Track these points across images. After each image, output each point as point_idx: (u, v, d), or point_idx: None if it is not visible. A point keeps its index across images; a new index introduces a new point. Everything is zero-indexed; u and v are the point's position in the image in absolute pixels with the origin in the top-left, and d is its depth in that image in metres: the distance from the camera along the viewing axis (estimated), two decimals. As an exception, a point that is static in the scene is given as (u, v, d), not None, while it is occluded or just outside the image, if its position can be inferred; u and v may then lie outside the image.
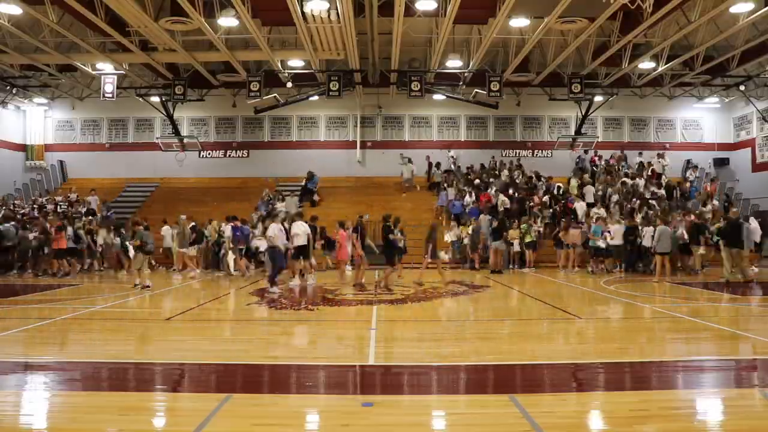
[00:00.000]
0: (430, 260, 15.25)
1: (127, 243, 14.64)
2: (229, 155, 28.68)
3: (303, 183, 25.37)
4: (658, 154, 26.89)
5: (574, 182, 24.12)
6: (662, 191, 23.71)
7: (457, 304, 11.76)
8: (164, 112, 25.95)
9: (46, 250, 17.53)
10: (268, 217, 17.67)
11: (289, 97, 24.72)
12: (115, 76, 22.43)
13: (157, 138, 27.28)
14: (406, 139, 28.62)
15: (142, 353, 7.14)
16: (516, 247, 19.12)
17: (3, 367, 6.38)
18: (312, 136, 28.79)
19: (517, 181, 24.96)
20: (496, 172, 26.20)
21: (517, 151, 28.67)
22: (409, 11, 16.67)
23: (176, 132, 26.70)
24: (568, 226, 18.57)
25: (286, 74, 22.80)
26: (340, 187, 27.52)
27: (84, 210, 22.80)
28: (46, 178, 28.00)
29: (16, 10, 16.52)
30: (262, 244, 15.82)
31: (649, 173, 25.43)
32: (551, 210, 22.04)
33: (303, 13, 16.32)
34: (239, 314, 10.58)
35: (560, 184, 24.34)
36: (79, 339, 8.33)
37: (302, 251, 14.31)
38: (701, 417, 4.92)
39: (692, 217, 18.64)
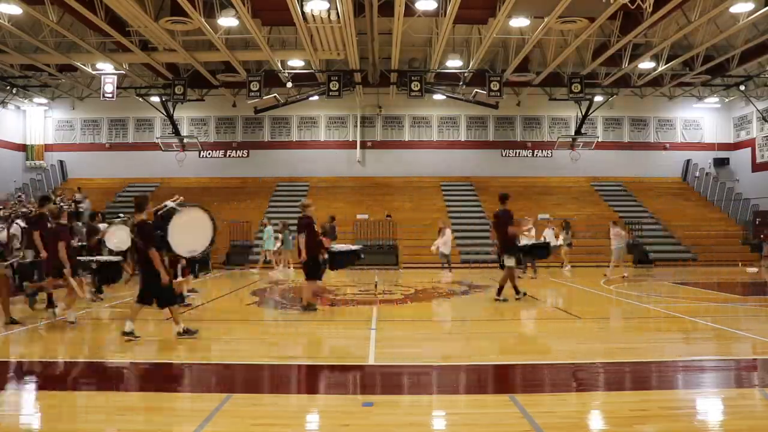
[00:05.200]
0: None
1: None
2: (229, 155, 28.71)
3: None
4: None
5: None
6: None
7: (457, 304, 11.76)
8: (164, 112, 25.96)
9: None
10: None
11: (289, 97, 24.72)
12: (115, 76, 22.43)
13: (157, 138, 27.29)
14: (406, 139, 28.65)
15: (142, 353, 7.14)
16: None
17: (3, 367, 6.38)
18: (312, 136, 28.81)
19: None
20: None
21: (518, 151, 28.71)
22: (409, 11, 16.66)
23: (176, 132, 26.70)
24: None
25: (286, 74, 22.79)
26: (340, 187, 27.57)
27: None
28: (46, 178, 28.01)
29: (16, 10, 16.51)
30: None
31: None
32: None
33: (303, 13, 16.31)
34: (239, 314, 10.57)
35: None
36: (79, 339, 8.32)
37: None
38: (701, 417, 4.92)
39: None
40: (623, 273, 16.18)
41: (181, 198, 9.74)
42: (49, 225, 9.22)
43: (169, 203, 9.28)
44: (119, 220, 12.69)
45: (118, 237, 11.26)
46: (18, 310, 9.45)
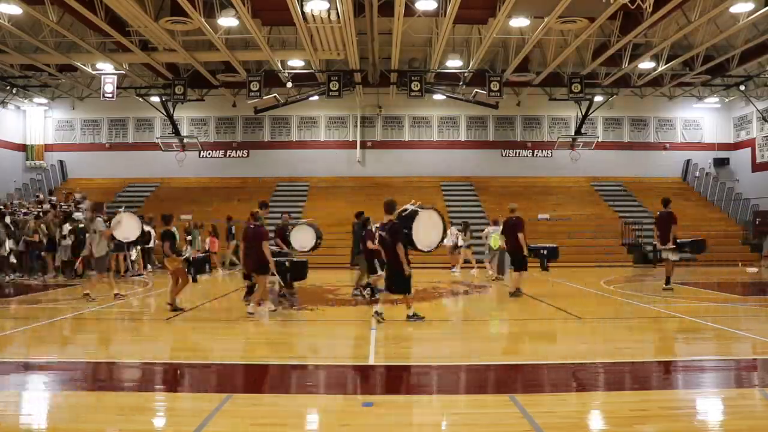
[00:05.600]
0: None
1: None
2: (229, 155, 28.71)
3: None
4: None
5: None
6: None
7: (457, 303, 11.76)
8: (164, 112, 25.96)
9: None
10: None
11: (289, 97, 24.72)
12: (115, 76, 22.42)
13: (157, 138, 27.28)
14: (406, 139, 28.66)
15: (142, 353, 7.14)
16: None
17: (3, 367, 6.38)
18: (312, 136, 28.82)
19: None
20: None
21: (518, 151, 28.71)
22: (409, 11, 16.65)
23: (176, 132, 26.69)
24: None
25: (286, 74, 22.79)
26: (340, 187, 27.57)
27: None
28: (46, 178, 28.01)
29: (16, 10, 16.52)
30: None
31: None
32: None
33: (303, 13, 16.31)
34: (239, 314, 10.57)
35: None
36: (79, 339, 8.33)
37: None
38: (701, 417, 4.92)
39: None
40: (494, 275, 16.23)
41: (420, 202, 10.77)
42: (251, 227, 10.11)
43: (410, 206, 10.42)
44: (304, 221, 13.44)
45: (301, 237, 12.27)
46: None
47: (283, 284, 11.28)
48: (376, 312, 9.04)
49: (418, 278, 16.59)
